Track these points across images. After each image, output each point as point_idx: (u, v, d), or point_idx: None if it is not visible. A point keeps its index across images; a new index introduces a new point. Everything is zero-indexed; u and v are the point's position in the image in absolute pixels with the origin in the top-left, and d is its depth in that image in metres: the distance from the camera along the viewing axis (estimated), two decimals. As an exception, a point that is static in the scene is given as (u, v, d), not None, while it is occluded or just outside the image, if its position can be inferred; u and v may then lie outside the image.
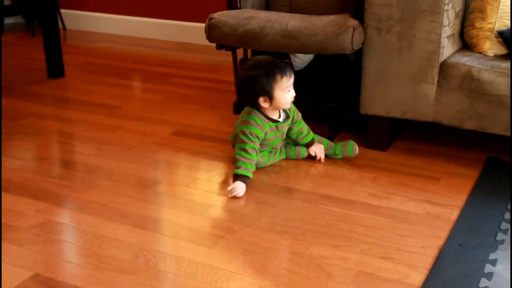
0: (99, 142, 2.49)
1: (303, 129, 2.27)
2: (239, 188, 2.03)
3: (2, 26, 4.67)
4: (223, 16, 2.47)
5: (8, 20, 4.97)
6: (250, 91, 2.13)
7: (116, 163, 2.29)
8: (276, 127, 2.19)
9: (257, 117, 2.15)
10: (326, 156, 2.30)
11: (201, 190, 2.09)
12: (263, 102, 2.13)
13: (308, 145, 2.29)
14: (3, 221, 1.87)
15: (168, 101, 3.03)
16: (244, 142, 2.13)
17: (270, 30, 2.32)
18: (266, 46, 2.32)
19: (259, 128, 2.14)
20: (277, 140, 2.24)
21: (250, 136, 2.13)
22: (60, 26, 4.57)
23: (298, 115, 2.26)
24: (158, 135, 2.57)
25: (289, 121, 2.23)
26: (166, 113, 2.84)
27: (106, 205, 1.97)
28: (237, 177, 2.07)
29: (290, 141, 2.33)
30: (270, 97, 2.11)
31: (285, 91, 2.11)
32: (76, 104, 3.00)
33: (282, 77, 2.09)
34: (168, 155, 2.37)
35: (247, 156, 2.11)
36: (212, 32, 2.46)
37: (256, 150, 2.14)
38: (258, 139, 2.14)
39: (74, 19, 4.73)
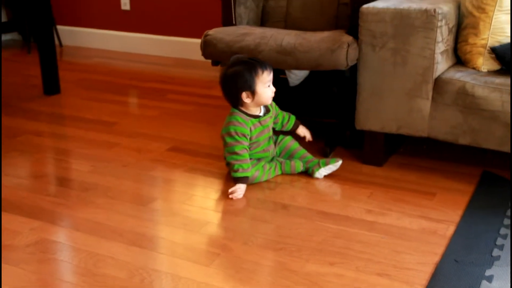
0: (95, 159, 2.49)
1: (284, 115, 2.37)
2: (240, 190, 2.14)
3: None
4: (219, 32, 2.48)
5: (4, 37, 4.98)
6: (234, 86, 2.18)
7: (112, 180, 2.29)
8: (259, 122, 2.23)
9: (238, 115, 2.20)
10: (307, 171, 2.30)
11: (197, 207, 2.09)
12: (245, 98, 2.17)
13: (295, 127, 2.39)
14: (-2, 240, 1.86)
15: (164, 117, 3.03)
16: (232, 145, 2.17)
17: (265, 46, 2.34)
18: (261, 62, 2.33)
19: (242, 126, 2.18)
20: (264, 137, 2.25)
21: (236, 136, 2.16)
22: (57, 42, 4.59)
23: (278, 108, 2.35)
24: (154, 152, 2.57)
25: (271, 114, 2.29)
26: (162, 129, 2.84)
27: (101, 223, 1.96)
28: (237, 179, 2.15)
29: (278, 134, 2.37)
30: (253, 92, 2.16)
31: (265, 85, 2.18)
32: (72, 120, 3.00)
33: (263, 72, 2.16)
34: (164, 172, 2.37)
35: (240, 158, 2.16)
36: (207, 49, 2.47)
37: (246, 149, 2.19)
38: (245, 137, 2.18)
39: (71, 36, 4.75)
